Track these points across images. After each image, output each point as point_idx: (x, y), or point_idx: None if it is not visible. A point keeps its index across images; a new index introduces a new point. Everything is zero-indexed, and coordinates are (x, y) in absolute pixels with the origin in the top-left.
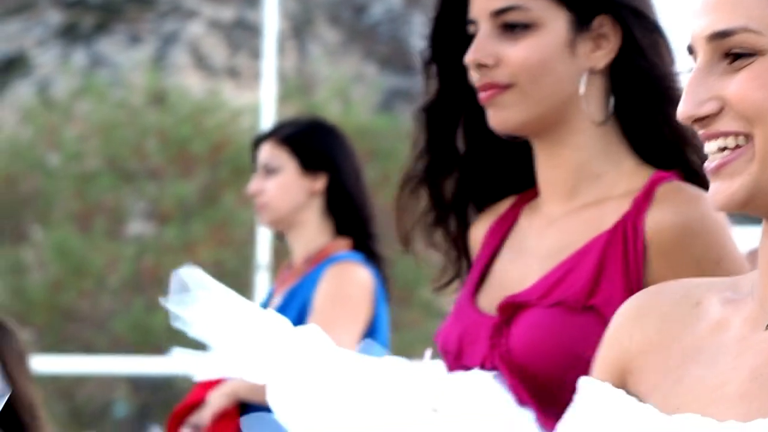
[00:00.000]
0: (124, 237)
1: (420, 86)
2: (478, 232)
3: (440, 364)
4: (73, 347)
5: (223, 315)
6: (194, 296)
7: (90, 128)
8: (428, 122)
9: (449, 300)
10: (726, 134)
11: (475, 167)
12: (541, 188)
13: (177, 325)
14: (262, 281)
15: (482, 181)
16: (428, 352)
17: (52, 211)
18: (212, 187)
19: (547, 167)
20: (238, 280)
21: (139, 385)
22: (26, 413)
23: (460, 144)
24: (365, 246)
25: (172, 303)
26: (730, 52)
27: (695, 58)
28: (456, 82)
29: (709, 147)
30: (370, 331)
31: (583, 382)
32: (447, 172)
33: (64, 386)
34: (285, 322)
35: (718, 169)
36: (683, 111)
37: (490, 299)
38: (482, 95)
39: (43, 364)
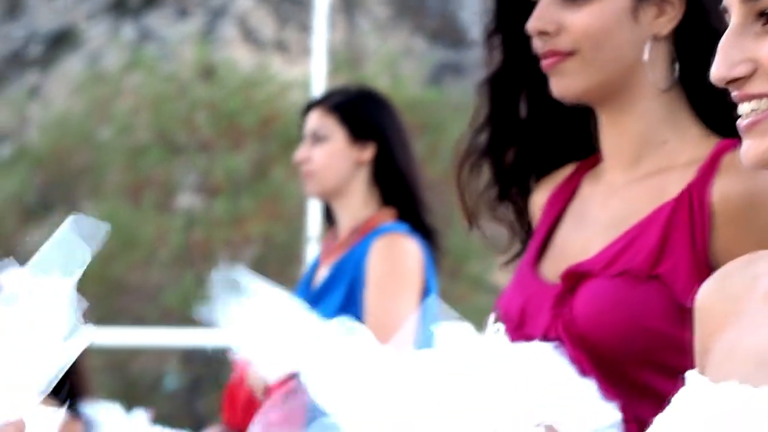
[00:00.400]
0: (174, 210)
1: (469, 59)
2: (538, 199)
3: (502, 332)
4: (125, 320)
5: (265, 319)
6: (238, 298)
7: (140, 102)
8: (492, 94)
9: (498, 274)
10: (759, 96)
11: (537, 136)
12: (605, 156)
13: (221, 325)
14: (311, 254)
15: (543, 150)
16: (491, 318)
17: (103, 184)
18: (262, 160)
19: (611, 135)
20: (288, 252)
21: (190, 357)
22: (81, 384)
23: (522, 113)
24: (412, 217)
25: (215, 305)
26: (764, 12)
27: (729, 19)
28: (519, 52)
29: (742, 108)
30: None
31: (689, 376)
32: (510, 143)
33: (115, 359)
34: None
35: (751, 127)
36: (716, 73)
37: (552, 268)
38: (544, 63)
39: (94, 336)
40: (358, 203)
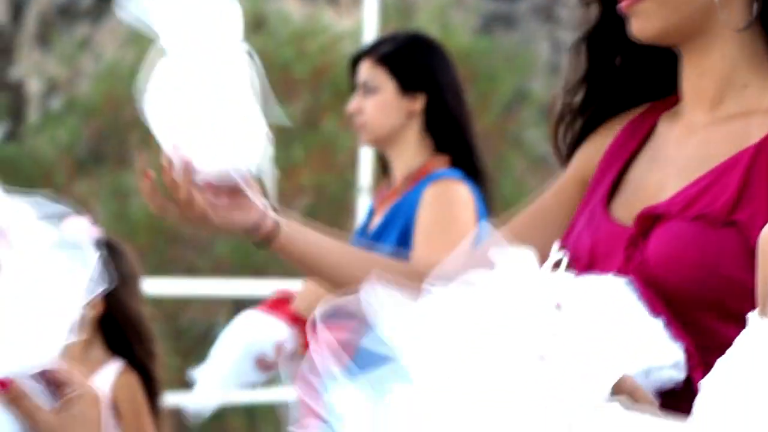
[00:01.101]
0: None
1: (519, 10)
2: (602, 140)
3: (565, 262)
4: (176, 270)
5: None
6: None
7: None
8: (588, 51)
9: None
10: None
11: (620, 80)
12: (685, 96)
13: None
14: (363, 204)
15: (623, 93)
16: (556, 247)
17: (153, 135)
18: (314, 110)
19: (692, 75)
20: (340, 203)
21: (241, 307)
22: (136, 334)
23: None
24: (465, 163)
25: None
26: None
27: None
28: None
29: None
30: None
31: (751, 318)
32: (605, 100)
33: (167, 309)
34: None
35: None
36: None
37: (625, 209)
38: (622, 4)
39: (146, 286)
40: (411, 151)
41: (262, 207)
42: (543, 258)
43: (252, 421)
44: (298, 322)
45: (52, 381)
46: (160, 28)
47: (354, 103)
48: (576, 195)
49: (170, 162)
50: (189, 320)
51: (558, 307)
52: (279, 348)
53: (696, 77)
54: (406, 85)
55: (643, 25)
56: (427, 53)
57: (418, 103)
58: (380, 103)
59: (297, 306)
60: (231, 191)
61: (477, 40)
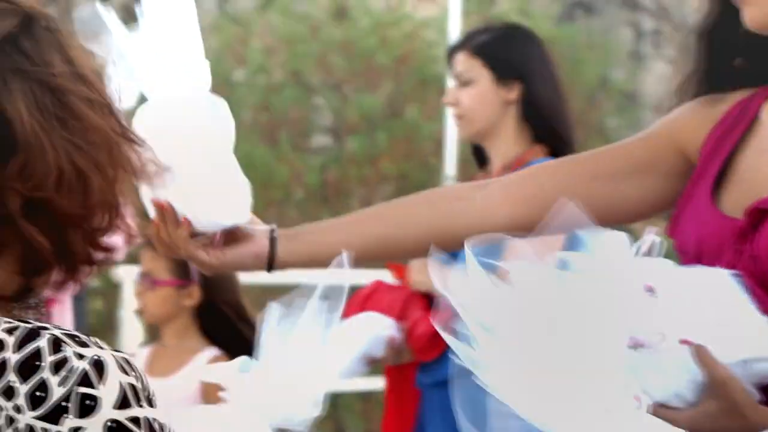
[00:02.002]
0: (308, 149)
1: None
2: (707, 114)
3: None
4: None
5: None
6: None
7: (274, 42)
8: (707, 44)
9: None
10: None
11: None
12: None
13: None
14: None
15: (733, 76)
16: (651, 231)
17: (238, 124)
18: (397, 99)
19: None
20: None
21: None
22: (232, 323)
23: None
24: (563, 153)
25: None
26: None
27: None
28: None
29: None
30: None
31: None
32: (722, 86)
33: (250, 295)
34: None
35: None
36: None
37: (734, 201)
38: None
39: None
40: (508, 142)
41: (258, 235)
42: (615, 199)
43: (335, 409)
44: (397, 311)
45: None
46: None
47: (450, 95)
48: (664, 152)
49: (161, 218)
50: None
51: (652, 291)
52: (391, 344)
53: None
54: (502, 76)
55: (754, 14)
56: (522, 42)
57: (515, 92)
58: (476, 95)
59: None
60: (224, 232)
61: (558, 29)
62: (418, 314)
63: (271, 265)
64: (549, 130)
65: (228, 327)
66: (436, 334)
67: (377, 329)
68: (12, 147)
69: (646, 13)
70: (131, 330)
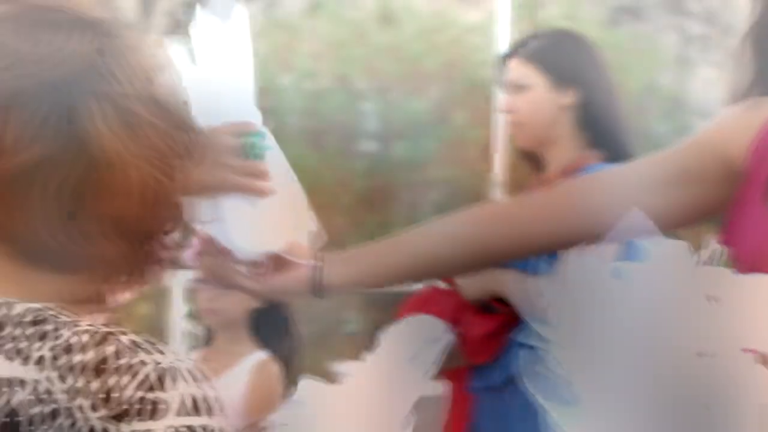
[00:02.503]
0: (355, 154)
1: (647, 2)
2: (755, 117)
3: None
4: None
5: None
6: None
7: (321, 47)
8: (758, 43)
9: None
10: None
11: None
12: None
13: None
14: (497, 198)
15: None
16: (713, 241)
17: (285, 129)
18: (444, 104)
19: None
20: (471, 197)
21: (370, 301)
22: (281, 328)
23: None
24: (619, 159)
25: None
26: None
27: None
28: None
29: None
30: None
31: None
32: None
33: (297, 301)
34: None
35: None
36: None
37: None
38: None
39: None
40: (564, 147)
41: (305, 263)
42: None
43: None
44: (450, 314)
45: None
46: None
47: (506, 101)
48: (711, 159)
49: (204, 249)
50: (317, 314)
51: (714, 300)
52: (444, 348)
53: None
54: (558, 81)
55: None
56: (576, 47)
57: (570, 98)
58: (532, 101)
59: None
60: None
61: (606, 33)
62: (471, 318)
63: (318, 292)
64: (605, 135)
65: (280, 332)
66: (488, 338)
67: (430, 333)
68: (96, 167)
69: (693, 17)
70: (179, 334)
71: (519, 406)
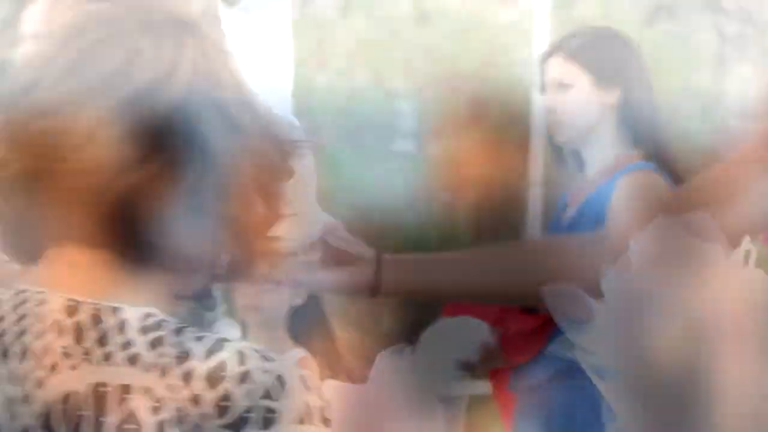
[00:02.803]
0: (392, 153)
1: (683, 0)
2: None
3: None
4: None
5: None
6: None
7: (357, 46)
8: None
9: None
10: None
11: None
12: None
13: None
14: (535, 198)
15: None
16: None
17: (321, 128)
18: (480, 103)
19: None
20: (509, 196)
21: (407, 301)
22: (318, 327)
23: None
24: (659, 157)
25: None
26: None
27: None
28: None
29: None
30: None
31: None
32: None
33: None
34: None
35: None
36: None
37: None
38: None
39: None
40: (606, 145)
41: (363, 259)
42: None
43: None
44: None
45: None
46: None
47: (548, 100)
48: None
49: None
50: (355, 312)
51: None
52: (485, 349)
53: None
54: (600, 80)
55: None
56: (618, 47)
57: (612, 96)
58: (576, 100)
59: None
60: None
61: (642, 32)
62: (511, 318)
63: (375, 292)
64: (645, 134)
65: (318, 329)
66: (528, 338)
67: (471, 333)
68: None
69: (730, 16)
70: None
71: (561, 403)
